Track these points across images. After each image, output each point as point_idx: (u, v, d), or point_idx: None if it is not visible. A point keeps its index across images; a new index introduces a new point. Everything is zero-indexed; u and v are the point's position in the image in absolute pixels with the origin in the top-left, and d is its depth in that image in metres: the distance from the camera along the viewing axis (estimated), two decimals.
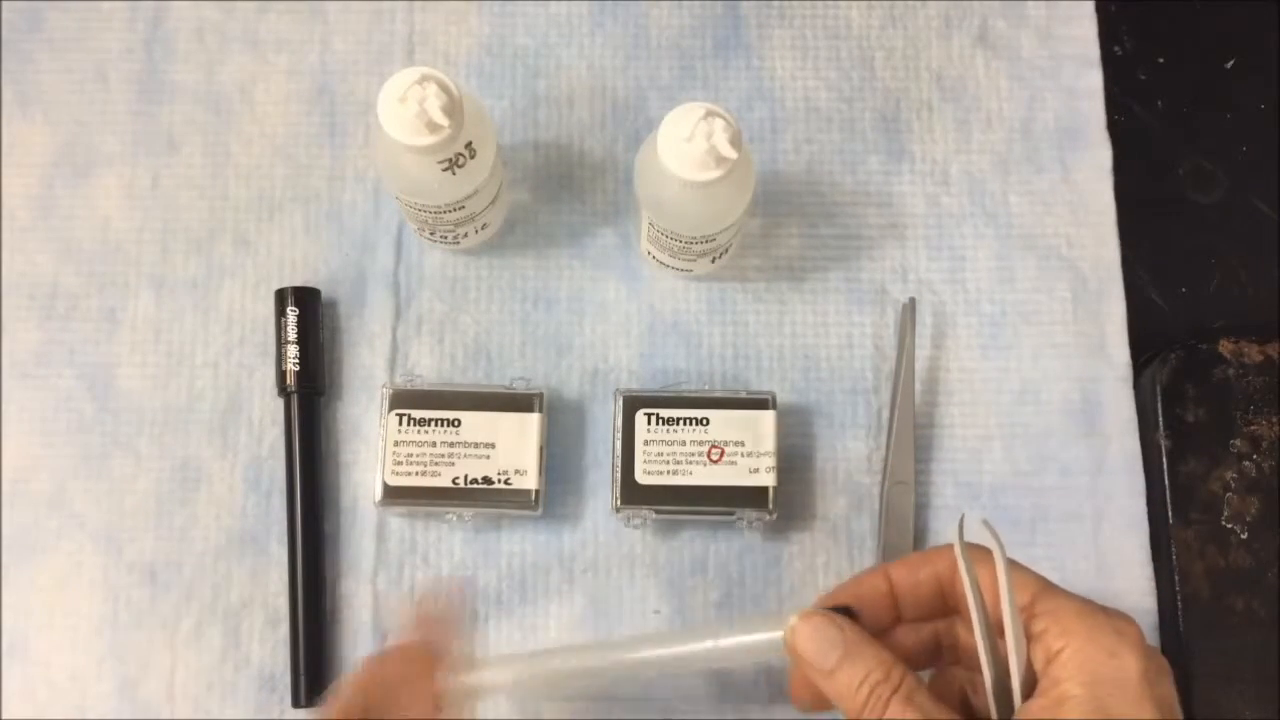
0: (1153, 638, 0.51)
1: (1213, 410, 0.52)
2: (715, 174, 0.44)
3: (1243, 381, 0.52)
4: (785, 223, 0.56)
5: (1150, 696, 0.33)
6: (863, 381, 0.54)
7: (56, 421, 0.53)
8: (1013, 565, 0.36)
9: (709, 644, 0.39)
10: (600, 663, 0.42)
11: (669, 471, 0.49)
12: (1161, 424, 0.52)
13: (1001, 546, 0.36)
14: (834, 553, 0.52)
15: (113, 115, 0.56)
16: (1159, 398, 0.52)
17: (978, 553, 0.37)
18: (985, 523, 0.36)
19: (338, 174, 0.56)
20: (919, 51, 0.58)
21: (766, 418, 0.50)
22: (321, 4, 0.58)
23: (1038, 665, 0.35)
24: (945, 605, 0.39)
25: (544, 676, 0.42)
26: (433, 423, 0.50)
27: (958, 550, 0.36)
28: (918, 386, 0.53)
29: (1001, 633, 0.35)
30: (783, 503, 0.50)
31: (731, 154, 0.44)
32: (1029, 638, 0.35)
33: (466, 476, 0.49)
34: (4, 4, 0.57)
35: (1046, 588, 0.36)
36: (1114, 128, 0.57)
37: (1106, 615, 0.35)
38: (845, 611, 0.38)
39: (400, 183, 0.48)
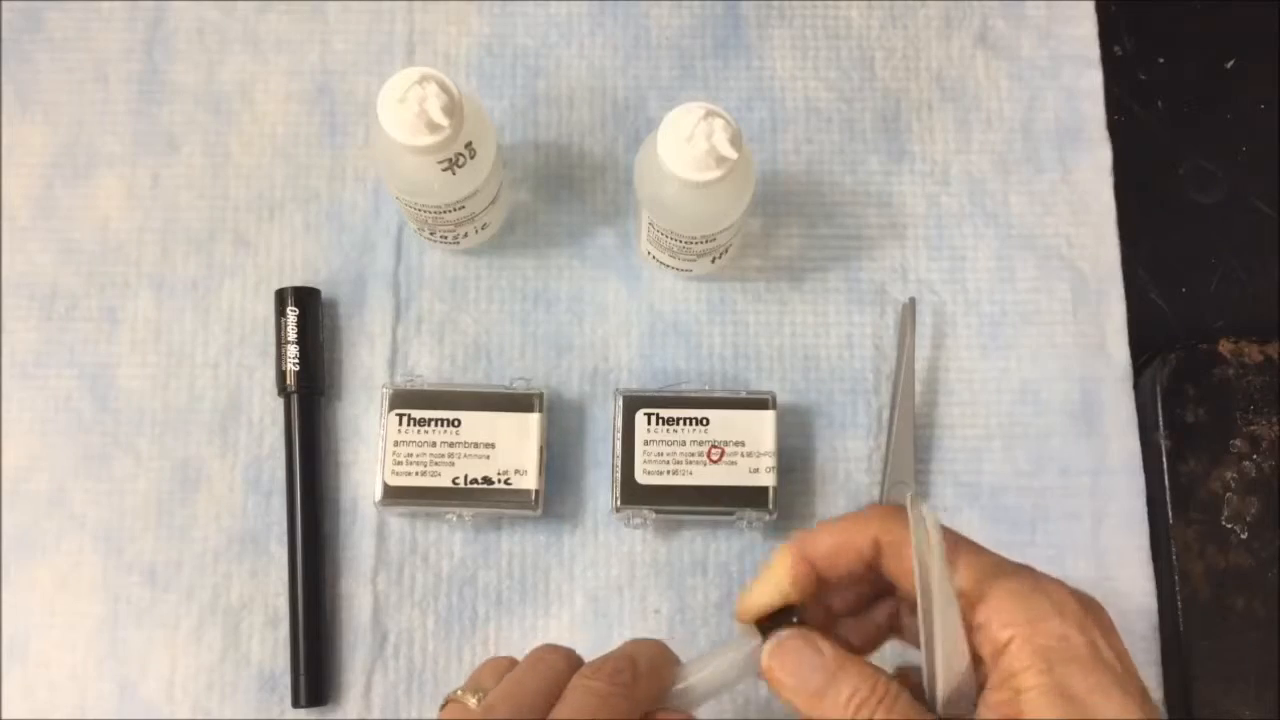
0: (1153, 637, 0.51)
1: (1213, 410, 0.52)
2: (715, 174, 0.44)
3: (1243, 381, 0.52)
4: (785, 223, 0.56)
5: (1101, 663, 0.33)
6: (863, 381, 0.54)
7: (56, 421, 0.53)
8: (956, 542, 0.35)
9: (680, 686, 0.38)
10: None
11: (669, 471, 0.49)
12: (1161, 424, 0.52)
13: (938, 529, 0.34)
14: None
15: (113, 115, 0.56)
16: (1159, 398, 0.52)
17: (903, 522, 0.35)
18: (912, 498, 0.35)
19: (338, 174, 0.56)
20: (919, 51, 0.58)
21: (766, 418, 0.50)
22: (321, 4, 0.58)
23: (985, 655, 0.34)
24: (874, 582, 0.38)
25: None
26: (433, 423, 0.50)
27: (914, 531, 0.35)
28: (918, 386, 0.53)
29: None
30: (783, 503, 0.50)
31: (731, 154, 0.44)
32: (969, 628, 0.35)
33: (466, 476, 0.49)
34: (4, 4, 0.57)
35: (978, 569, 0.35)
36: (1114, 128, 0.57)
37: (1043, 592, 0.34)
38: (788, 612, 0.37)
39: (400, 183, 0.48)
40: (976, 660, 0.35)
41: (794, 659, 0.36)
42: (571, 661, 0.38)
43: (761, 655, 0.37)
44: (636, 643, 0.39)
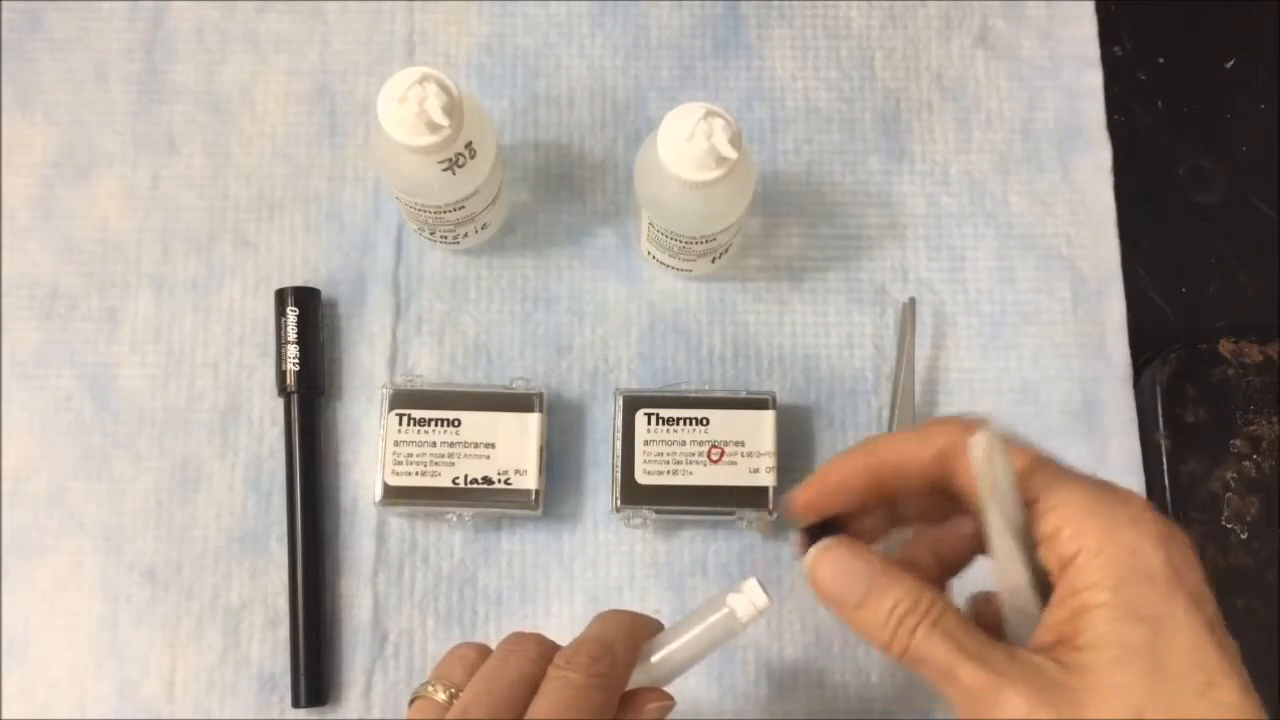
0: None
1: (1213, 410, 0.52)
2: (715, 174, 0.45)
3: (1243, 381, 0.52)
4: (785, 223, 0.56)
5: (1179, 586, 0.30)
6: (863, 381, 0.54)
7: (56, 421, 0.53)
8: (1031, 454, 0.34)
9: (657, 657, 0.38)
10: None
11: (669, 471, 0.49)
12: (1161, 424, 0.52)
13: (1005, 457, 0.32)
14: None
15: (113, 115, 0.56)
16: (1159, 398, 0.52)
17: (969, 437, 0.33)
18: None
19: (338, 174, 0.56)
20: (919, 51, 0.58)
21: (766, 418, 0.50)
22: (321, 4, 0.58)
23: (1053, 570, 0.32)
24: (946, 492, 0.36)
25: None
26: (433, 423, 0.50)
27: (977, 458, 0.32)
28: (918, 386, 0.53)
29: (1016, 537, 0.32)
30: (783, 503, 0.50)
31: (731, 154, 0.44)
32: (1039, 540, 0.32)
33: (466, 476, 0.49)
34: (4, 4, 0.57)
35: (1051, 477, 0.33)
36: (1114, 128, 0.57)
37: (1121, 504, 0.32)
38: (832, 525, 0.36)
39: (400, 183, 0.48)
40: (1045, 577, 0.32)
41: (839, 565, 0.35)
42: (545, 649, 0.38)
43: (807, 558, 0.36)
44: (611, 620, 0.38)
